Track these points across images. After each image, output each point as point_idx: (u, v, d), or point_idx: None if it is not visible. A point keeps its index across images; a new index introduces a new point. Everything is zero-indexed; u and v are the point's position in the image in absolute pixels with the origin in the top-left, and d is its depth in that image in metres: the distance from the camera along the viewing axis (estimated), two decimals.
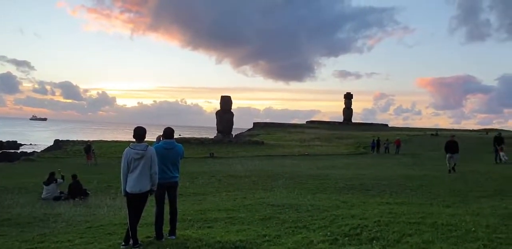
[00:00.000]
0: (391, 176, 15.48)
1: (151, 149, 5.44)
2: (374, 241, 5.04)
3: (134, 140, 5.44)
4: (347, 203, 8.81)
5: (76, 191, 11.98)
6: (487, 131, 61.37)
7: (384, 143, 35.28)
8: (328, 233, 5.61)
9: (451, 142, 17.31)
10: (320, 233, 5.64)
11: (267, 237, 5.55)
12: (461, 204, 8.47)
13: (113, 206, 9.72)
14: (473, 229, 5.46)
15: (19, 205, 10.22)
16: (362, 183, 13.41)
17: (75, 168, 22.41)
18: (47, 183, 12.00)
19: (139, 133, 5.46)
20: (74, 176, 12.48)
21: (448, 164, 16.80)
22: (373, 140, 36.44)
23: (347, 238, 5.30)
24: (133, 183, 5.30)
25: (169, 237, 5.68)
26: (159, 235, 5.61)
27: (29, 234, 6.64)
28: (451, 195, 9.98)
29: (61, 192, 12.24)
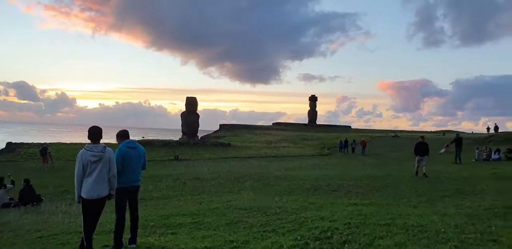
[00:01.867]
0: (356, 176, 15.60)
1: (109, 150, 5.00)
2: (346, 245, 4.87)
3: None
4: (315, 204, 8.67)
5: (28, 197, 11.11)
6: (443, 132, 64.10)
7: (351, 144, 36.16)
8: (298, 237, 5.39)
9: (421, 144, 15.95)
10: (290, 237, 5.41)
11: (234, 243, 5.25)
12: (426, 204, 8.54)
13: (69, 212, 9.06)
14: (442, 229, 5.42)
15: None
16: (329, 183, 13.40)
17: (29, 172, 21.10)
18: None
19: (95, 132, 5.01)
20: (26, 181, 11.59)
21: (416, 167, 15.50)
22: (341, 141, 37.41)
23: (317, 242, 5.10)
24: (89, 188, 4.86)
25: (129, 246, 5.26)
26: (118, 243, 5.17)
27: None
28: (416, 195, 10.10)
29: (11, 199, 11.32)
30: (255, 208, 8.14)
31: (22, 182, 11.59)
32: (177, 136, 46.56)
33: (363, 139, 38.13)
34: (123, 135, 5.56)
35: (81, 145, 40.14)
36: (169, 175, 17.96)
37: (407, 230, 5.47)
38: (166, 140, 42.65)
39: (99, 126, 5.13)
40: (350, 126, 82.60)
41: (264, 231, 5.92)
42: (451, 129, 79.92)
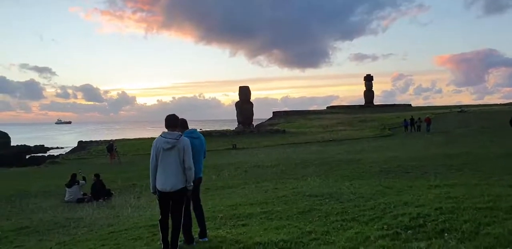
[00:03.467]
0: (428, 156, 14.44)
1: (185, 139, 4.65)
2: (446, 234, 4.17)
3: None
4: (392, 188, 7.92)
5: (100, 191, 11.48)
6: None
7: (416, 122, 34.58)
8: (385, 226, 4.77)
9: None
10: (375, 227, 4.80)
11: (313, 234, 4.75)
12: None
13: (137, 206, 9.13)
14: None
15: (42, 210, 9.78)
16: (399, 165, 12.46)
17: (98, 168, 22.21)
18: (69, 185, 11.55)
19: (170, 118, 4.73)
20: (96, 176, 12.00)
21: None
22: (405, 119, 36.58)
23: (409, 231, 4.44)
24: (163, 179, 4.55)
25: (200, 240, 4.97)
26: (188, 238, 4.90)
27: (48, 243, 6.06)
28: (507, 173, 8.94)
29: (84, 194, 11.78)
30: (326, 195, 7.58)
31: (93, 177, 12.00)
32: (233, 126, 47.00)
33: (428, 116, 36.13)
34: (183, 123, 5.21)
35: (144, 140, 41.89)
36: (229, 164, 17.91)
37: None
38: (223, 130, 43.20)
39: (163, 120, 4.86)
40: (410, 105, 78.51)
41: (343, 220, 5.35)
42: None
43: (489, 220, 4.51)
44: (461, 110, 48.69)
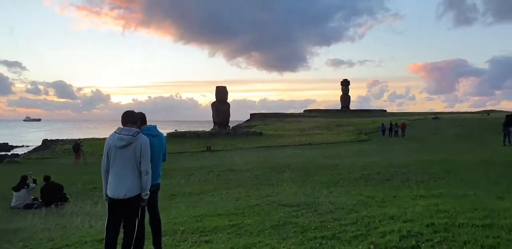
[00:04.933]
0: (407, 162, 13.99)
1: (144, 137, 3.88)
2: None
3: None
4: (374, 198, 7.26)
5: (51, 196, 10.30)
6: (488, 112, 60.11)
7: (394, 127, 34.82)
8: (371, 246, 4.06)
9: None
10: (360, 247, 4.08)
11: None
12: None
13: (92, 214, 8.12)
14: None
15: None
16: (379, 172, 11.91)
17: (61, 168, 20.84)
18: (17, 188, 10.33)
19: (129, 114, 3.97)
20: (46, 179, 10.71)
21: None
22: (383, 124, 37.35)
23: None
24: (115, 184, 3.78)
25: None
26: None
27: None
28: (493, 183, 8.48)
29: (34, 199, 10.57)
30: (303, 205, 6.86)
31: (42, 180, 10.79)
32: (209, 128, 45.89)
33: (403, 121, 36.39)
34: (142, 118, 4.35)
35: None
36: (202, 167, 17.01)
37: None
38: (198, 131, 42.05)
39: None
40: (385, 110, 79.48)
41: (322, 238, 4.61)
42: (495, 109, 75.16)
43: (493, 241, 3.85)
44: (436, 117, 49.38)
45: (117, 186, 3.78)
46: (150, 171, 3.87)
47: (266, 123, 58.41)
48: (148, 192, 3.90)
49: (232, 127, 47.53)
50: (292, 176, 12.29)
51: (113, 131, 3.93)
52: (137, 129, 3.91)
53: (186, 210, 7.73)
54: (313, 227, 5.16)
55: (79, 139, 34.45)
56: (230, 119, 43.01)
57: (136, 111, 4.35)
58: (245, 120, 69.28)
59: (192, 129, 52.73)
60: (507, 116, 21.16)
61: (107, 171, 3.85)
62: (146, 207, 4.24)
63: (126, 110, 4.06)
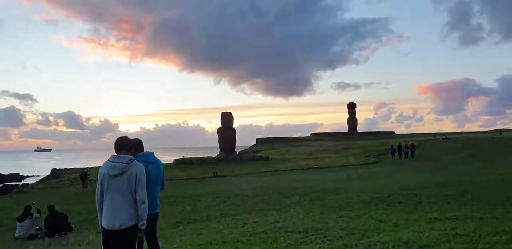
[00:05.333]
0: (420, 184, 13.58)
1: (138, 164, 3.72)
2: None
3: None
4: (386, 222, 6.93)
5: (55, 226, 10.07)
6: (500, 131, 59.27)
7: (403, 149, 34.22)
8: None
9: None
10: None
11: None
12: None
13: (94, 243, 7.84)
14: None
15: None
16: (390, 194, 11.53)
17: (68, 197, 20.63)
18: (21, 219, 10.14)
19: (119, 142, 3.83)
20: (50, 208, 10.53)
21: None
22: (392, 145, 36.48)
23: None
24: (109, 215, 3.60)
25: None
26: None
27: None
28: (511, 203, 8.09)
29: (38, 229, 10.34)
30: (311, 231, 6.54)
31: (47, 210, 10.59)
32: (215, 154, 45.67)
33: (411, 142, 35.96)
34: (138, 144, 4.22)
35: None
36: (208, 194, 16.67)
37: None
38: (204, 157, 41.80)
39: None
40: (393, 132, 78.92)
41: None
42: (505, 128, 74.18)
43: None
44: (445, 138, 48.78)
45: (112, 216, 3.61)
46: (146, 200, 3.69)
47: (273, 148, 58.10)
48: (145, 222, 3.70)
49: (239, 152, 47.27)
50: (300, 201, 11.94)
51: (106, 160, 3.80)
52: (131, 157, 3.76)
53: (191, 238, 7.44)
54: None
55: (86, 167, 34.44)
56: (237, 144, 42.85)
57: (142, 138, 4.24)
58: (251, 145, 69.10)
59: (199, 155, 52.51)
60: None
61: (101, 202, 3.70)
62: (144, 238, 4.03)
63: (119, 136, 3.94)
